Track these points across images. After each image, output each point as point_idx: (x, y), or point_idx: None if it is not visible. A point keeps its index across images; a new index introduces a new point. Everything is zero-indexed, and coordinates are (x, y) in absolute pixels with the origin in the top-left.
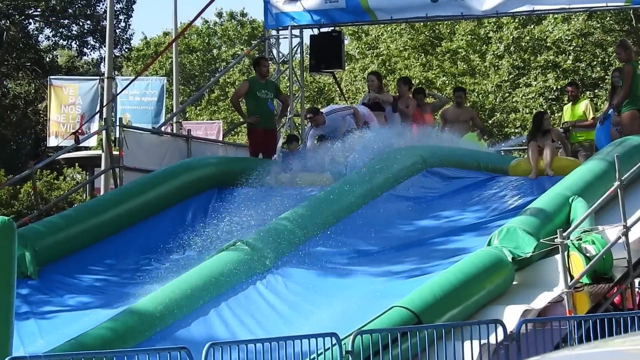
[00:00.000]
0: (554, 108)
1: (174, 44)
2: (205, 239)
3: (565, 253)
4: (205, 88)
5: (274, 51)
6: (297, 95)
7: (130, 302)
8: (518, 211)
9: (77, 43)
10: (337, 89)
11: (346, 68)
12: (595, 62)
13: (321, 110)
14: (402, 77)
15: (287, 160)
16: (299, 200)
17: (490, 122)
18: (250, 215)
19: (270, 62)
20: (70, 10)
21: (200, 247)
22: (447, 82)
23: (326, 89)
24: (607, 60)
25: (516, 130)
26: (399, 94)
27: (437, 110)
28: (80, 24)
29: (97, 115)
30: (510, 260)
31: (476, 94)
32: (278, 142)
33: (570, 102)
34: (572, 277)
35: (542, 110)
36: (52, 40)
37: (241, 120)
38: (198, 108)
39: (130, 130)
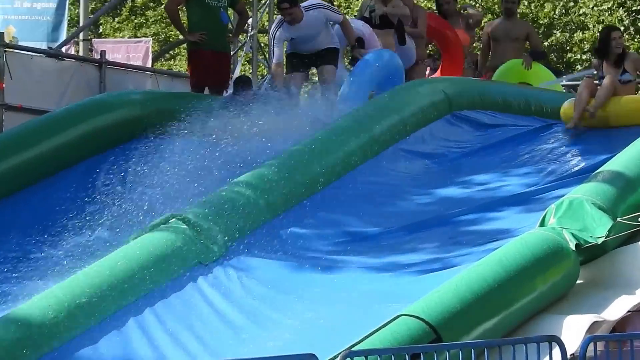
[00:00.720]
0: (639, 24)
1: None
2: (124, 213)
3: None
4: None
5: None
6: (263, 2)
7: (8, 306)
8: (586, 176)
9: None
10: None
11: None
12: None
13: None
14: None
15: (243, 95)
16: (263, 156)
17: (546, 43)
18: (191, 177)
19: None
20: None
21: (117, 224)
22: None
23: None
24: None
25: (584, 57)
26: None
27: (476, 25)
28: None
29: None
30: (574, 248)
31: (526, 3)
32: (234, 70)
33: None
34: None
35: (613, 25)
36: None
37: (180, 37)
38: (117, 20)
39: (15, 51)
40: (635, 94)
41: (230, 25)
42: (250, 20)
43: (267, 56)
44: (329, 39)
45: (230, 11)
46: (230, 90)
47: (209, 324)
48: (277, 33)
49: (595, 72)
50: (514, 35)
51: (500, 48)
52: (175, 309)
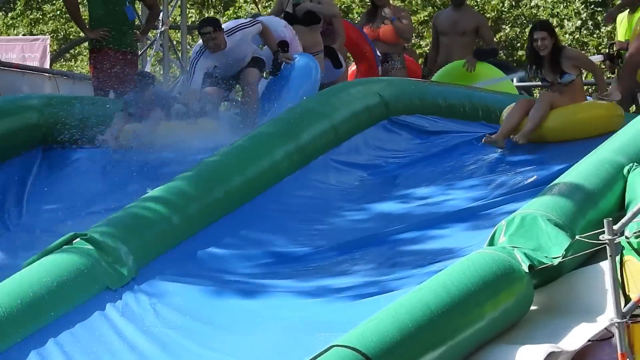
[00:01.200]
0: (598, 18)
1: None
2: (21, 233)
3: (618, 258)
4: None
5: None
6: None
7: None
8: (540, 188)
9: None
10: None
11: None
12: None
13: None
14: None
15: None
16: (177, 167)
17: (495, 39)
18: (96, 191)
19: None
20: None
21: (12, 246)
22: None
23: None
24: None
25: None
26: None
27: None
28: None
29: None
30: (527, 269)
31: None
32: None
33: (627, 10)
34: (627, 299)
35: (541, 22)
36: None
37: (82, 35)
38: (10, 15)
39: None
40: (583, 90)
41: (137, 21)
42: (160, 16)
43: (180, 55)
44: (252, 52)
45: (138, 5)
46: None
47: (120, 357)
48: (199, 62)
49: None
50: (461, 28)
51: (447, 43)
52: (81, 341)
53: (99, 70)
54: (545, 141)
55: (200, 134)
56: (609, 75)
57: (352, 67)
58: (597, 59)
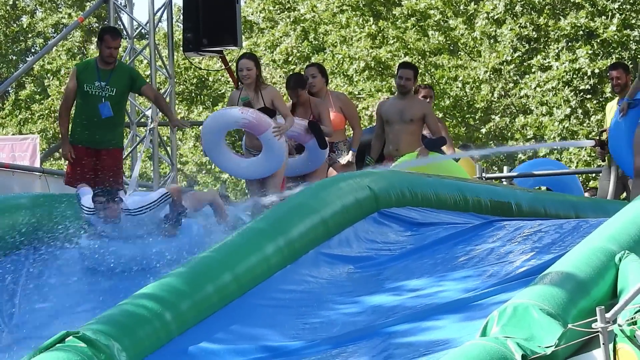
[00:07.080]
0: (588, 105)
1: None
2: (13, 331)
3: (611, 346)
4: (10, 81)
5: (125, 19)
6: (163, 89)
7: None
8: (532, 278)
9: None
10: (230, 80)
11: (244, 45)
12: None
13: None
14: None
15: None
16: (170, 263)
17: (483, 131)
18: (89, 288)
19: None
20: None
21: (4, 346)
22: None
23: (211, 79)
24: None
25: (527, 144)
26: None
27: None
28: None
29: None
30: (520, 359)
31: (460, 85)
32: (133, 167)
33: (617, 97)
34: None
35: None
36: None
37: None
38: (0, 114)
39: None
40: None
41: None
42: (149, 112)
43: (169, 151)
44: None
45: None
46: (129, 191)
47: None
48: None
49: None
50: (407, 117)
51: (394, 132)
52: None
53: (71, 166)
54: None
55: None
56: (600, 163)
57: None
58: (588, 144)
